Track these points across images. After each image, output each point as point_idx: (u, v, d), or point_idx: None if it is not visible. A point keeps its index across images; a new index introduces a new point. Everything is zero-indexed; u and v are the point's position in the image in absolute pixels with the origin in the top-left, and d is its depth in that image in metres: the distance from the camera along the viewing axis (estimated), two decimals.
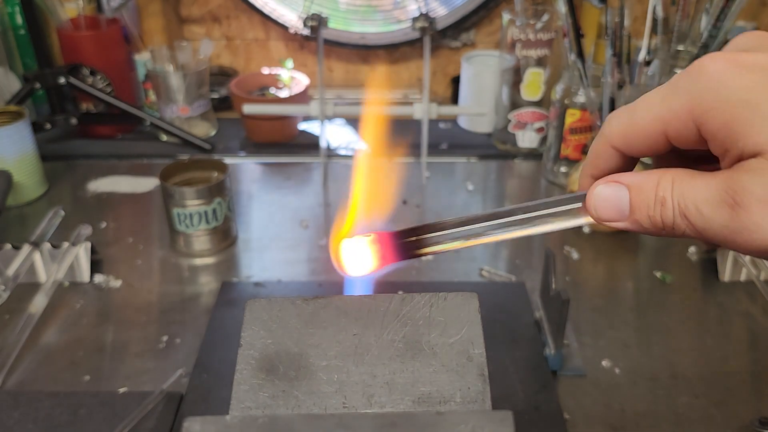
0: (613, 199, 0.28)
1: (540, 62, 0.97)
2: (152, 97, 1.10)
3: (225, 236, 0.82)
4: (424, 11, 1.12)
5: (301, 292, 0.75)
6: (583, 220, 0.30)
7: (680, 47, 0.86)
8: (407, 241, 0.31)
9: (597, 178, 0.30)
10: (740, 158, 0.25)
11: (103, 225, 0.87)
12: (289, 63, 1.09)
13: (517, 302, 0.72)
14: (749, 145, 0.24)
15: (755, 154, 0.24)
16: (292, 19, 1.16)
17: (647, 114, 0.27)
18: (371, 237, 0.32)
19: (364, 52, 1.20)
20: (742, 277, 0.75)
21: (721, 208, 0.25)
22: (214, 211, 0.78)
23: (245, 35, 1.21)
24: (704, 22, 0.82)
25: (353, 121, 1.12)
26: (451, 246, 0.31)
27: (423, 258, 0.79)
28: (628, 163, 0.30)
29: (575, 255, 0.80)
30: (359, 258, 0.32)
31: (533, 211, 0.30)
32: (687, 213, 0.26)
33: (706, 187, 0.26)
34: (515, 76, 0.99)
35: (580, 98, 0.89)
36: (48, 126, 1.03)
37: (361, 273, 0.33)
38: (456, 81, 1.15)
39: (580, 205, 0.30)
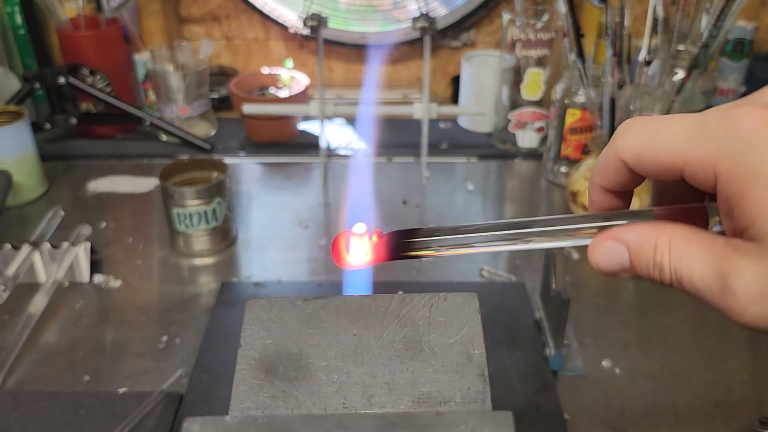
0: (614, 255, 0.29)
1: (540, 62, 0.97)
2: (152, 97, 1.10)
3: (225, 236, 0.82)
4: (424, 11, 1.12)
5: (301, 292, 0.75)
6: (581, 242, 0.30)
7: (680, 47, 0.86)
8: (403, 242, 0.31)
9: (606, 189, 0.30)
10: (742, 231, 0.25)
11: (103, 225, 0.87)
12: (289, 63, 1.09)
13: (517, 302, 0.72)
14: (755, 228, 0.24)
15: (757, 238, 0.24)
16: (292, 18, 1.16)
17: (669, 146, 0.26)
18: (369, 233, 0.32)
19: (364, 51, 1.20)
20: None
21: (713, 286, 0.25)
22: (214, 211, 0.78)
23: (245, 35, 1.21)
24: (704, 22, 0.82)
25: (353, 121, 1.12)
26: (446, 253, 0.31)
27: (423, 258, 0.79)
28: (636, 178, 0.29)
29: (575, 255, 0.80)
30: (355, 251, 0.32)
31: (535, 227, 0.30)
32: (683, 282, 0.26)
33: (701, 261, 0.26)
34: (515, 76, 0.99)
35: (581, 98, 0.89)
36: (48, 126, 1.03)
37: (355, 266, 0.33)
38: (456, 81, 1.15)
39: (581, 225, 0.30)
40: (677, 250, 0.26)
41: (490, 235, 0.31)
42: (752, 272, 0.24)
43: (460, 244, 0.31)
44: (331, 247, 0.33)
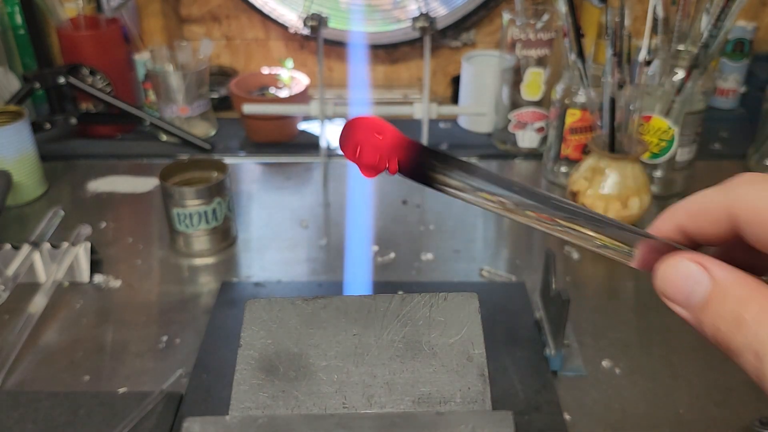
0: (692, 283, 0.23)
1: (540, 62, 0.97)
2: (152, 97, 1.10)
3: (225, 236, 0.82)
4: (424, 11, 1.12)
5: (301, 292, 0.75)
6: (620, 258, 0.26)
7: (680, 47, 0.86)
8: (427, 161, 0.26)
9: (681, 231, 0.26)
10: None
11: (103, 225, 0.87)
12: (289, 63, 1.09)
13: (517, 302, 0.72)
14: None
15: None
16: (292, 18, 1.16)
17: (716, 195, 0.24)
18: (389, 131, 0.26)
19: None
20: None
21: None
22: (214, 211, 0.78)
23: (245, 35, 1.21)
24: (704, 22, 0.82)
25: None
26: (466, 197, 0.26)
27: (423, 258, 0.79)
28: (724, 240, 0.25)
29: (575, 255, 0.80)
30: (367, 146, 0.27)
31: (582, 217, 0.25)
32: (759, 353, 0.23)
33: None
34: (515, 76, 0.99)
35: (581, 98, 0.89)
36: (48, 126, 1.03)
37: (358, 159, 0.27)
38: (456, 81, 1.15)
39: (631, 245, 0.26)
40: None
41: (531, 203, 0.25)
42: None
43: (489, 194, 0.25)
44: (340, 138, 0.27)
